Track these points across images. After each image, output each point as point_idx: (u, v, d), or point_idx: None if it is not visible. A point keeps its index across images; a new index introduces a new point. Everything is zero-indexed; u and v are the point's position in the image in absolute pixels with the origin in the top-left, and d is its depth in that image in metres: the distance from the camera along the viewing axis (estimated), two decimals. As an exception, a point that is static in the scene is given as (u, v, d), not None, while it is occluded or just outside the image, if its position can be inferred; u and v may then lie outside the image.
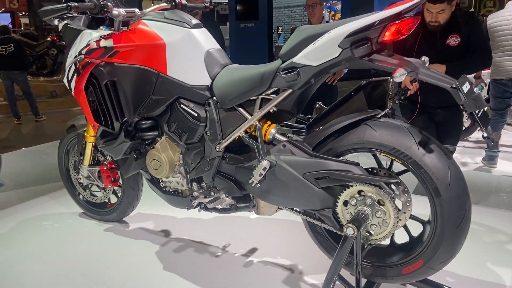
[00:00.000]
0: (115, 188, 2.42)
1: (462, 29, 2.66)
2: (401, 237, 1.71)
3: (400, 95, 2.41)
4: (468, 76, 4.14)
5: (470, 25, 2.68)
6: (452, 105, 2.71)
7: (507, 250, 2.13)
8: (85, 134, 2.26)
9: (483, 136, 1.47)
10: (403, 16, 1.42)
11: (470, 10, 3.49)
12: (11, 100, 7.16)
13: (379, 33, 1.41)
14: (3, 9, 20.70)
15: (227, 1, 11.71)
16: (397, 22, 1.40)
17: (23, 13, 21.99)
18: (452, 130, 2.90)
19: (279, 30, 13.39)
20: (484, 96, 4.63)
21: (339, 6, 13.49)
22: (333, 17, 13.90)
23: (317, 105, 1.84)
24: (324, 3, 13.03)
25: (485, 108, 1.29)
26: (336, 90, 4.04)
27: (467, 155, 4.50)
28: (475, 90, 4.13)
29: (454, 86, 1.36)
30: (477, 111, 1.40)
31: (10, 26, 19.11)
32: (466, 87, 1.38)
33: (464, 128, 5.18)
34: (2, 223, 2.55)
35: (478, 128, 1.29)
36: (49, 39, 8.66)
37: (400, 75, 1.34)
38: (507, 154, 4.26)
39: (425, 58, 1.51)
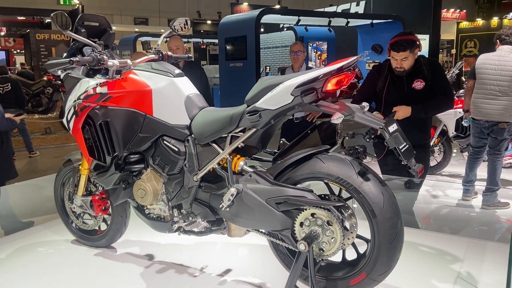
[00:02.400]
0: (105, 216, 2.68)
1: (426, 74, 2.97)
2: (351, 254, 1.98)
3: (370, 134, 2.74)
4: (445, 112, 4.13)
5: (433, 71, 2.99)
6: (418, 145, 2.94)
7: (451, 269, 2.40)
8: (80, 167, 2.54)
9: (407, 167, 1.79)
10: (344, 70, 1.77)
11: (446, 56, 3.84)
12: (6, 136, 7.42)
13: (323, 84, 1.75)
14: (-1, 47, 21.34)
15: (217, 41, 12.30)
16: (336, 75, 1.74)
17: (18, 51, 22.64)
18: None
19: (266, 69, 13.93)
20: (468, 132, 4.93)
21: (325, 47, 14.12)
22: (319, 57, 14.50)
23: (281, 141, 2.16)
24: (311, 44, 13.61)
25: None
26: (315, 126, 4.42)
27: (438, 188, 4.82)
28: (464, 123, 4.39)
29: (381, 127, 1.68)
30: (400, 147, 1.72)
31: (4, 62, 19.61)
32: (392, 128, 1.71)
33: (436, 163, 5.55)
34: (0, 249, 2.78)
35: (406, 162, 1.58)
36: (45, 78, 9.03)
37: (337, 118, 1.68)
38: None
39: (364, 104, 1.85)
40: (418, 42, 2.93)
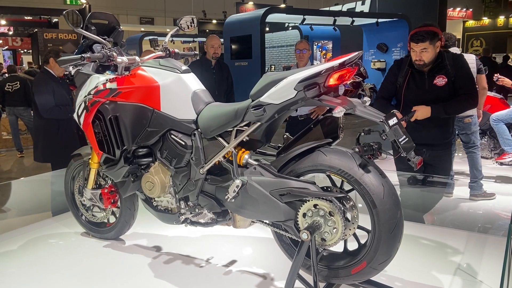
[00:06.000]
0: (114, 209, 2.75)
1: (449, 70, 2.79)
2: (353, 245, 2.04)
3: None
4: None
5: (457, 67, 2.81)
6: (439, 144, 2.87)
7: (451, 261, 2.45)
8: (90, 161, 2.62)
9: (407, 159, 1.84)
10: (346, 66, 1.82)
11: (460, 53, 3.71)
12: (15, 134, 7.56)
13: (325, 79, 1.81)
14: (6, 47, 21.55)
15: (222, 40, 12.38)
16: (338, 70, 1.80)
17: (25, 50, 22.86)
18: (440, 171, 2.96)
19: (271, 69, 13.98)
20: None
21: (330, 46, 14.15)
22: (324, 56, 14.52)
23: (285, 136, 2.22)
24: (316, 43, 13.61)
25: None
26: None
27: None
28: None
29: (381, 120, 1.74)
30: (400, 139, 1.78)
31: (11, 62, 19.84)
32: (392, 121, 1.76)
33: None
34: (12, 241, 2.86)
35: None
36: (53, 77, 9.12)
37: (338, 112, 1.74)
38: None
39: (366, 99, 1.91)
40: (439, 34, 2.75)
